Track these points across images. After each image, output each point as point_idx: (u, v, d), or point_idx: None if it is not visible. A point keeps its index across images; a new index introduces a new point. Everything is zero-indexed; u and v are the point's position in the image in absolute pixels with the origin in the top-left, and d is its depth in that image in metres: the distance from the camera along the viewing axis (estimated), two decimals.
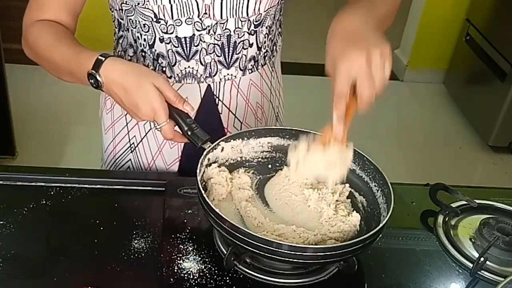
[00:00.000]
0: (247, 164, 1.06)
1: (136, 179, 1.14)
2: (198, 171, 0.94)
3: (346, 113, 0.89)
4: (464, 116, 3.48)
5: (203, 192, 0.89)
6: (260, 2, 1.08)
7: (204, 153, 0.98)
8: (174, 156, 1.22)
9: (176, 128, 1.00)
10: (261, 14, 1.11)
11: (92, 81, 0.99)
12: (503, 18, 3.14)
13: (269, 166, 1.07)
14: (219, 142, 1.02)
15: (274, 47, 1.23)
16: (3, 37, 2.45)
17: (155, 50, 1.12)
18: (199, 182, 0.91)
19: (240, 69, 1.17)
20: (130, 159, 1.25)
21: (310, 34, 4.32)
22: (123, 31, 1.16)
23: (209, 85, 1.16)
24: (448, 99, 3.68)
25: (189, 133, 0.99)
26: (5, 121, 2.60)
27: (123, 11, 1.10)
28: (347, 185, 1.00)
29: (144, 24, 1.09)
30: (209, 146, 0.99)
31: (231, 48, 1.13)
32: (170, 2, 1.04)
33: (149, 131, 1.21)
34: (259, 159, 1.07)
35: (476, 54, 3.34)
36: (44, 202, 1.05)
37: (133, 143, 1.23)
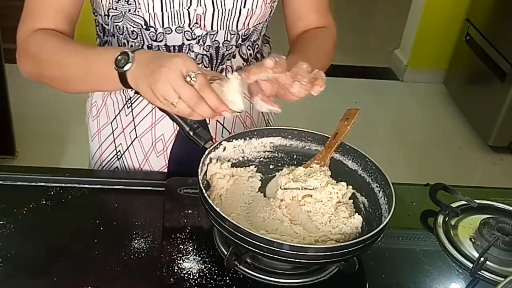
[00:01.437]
0: (249, 164, 1.06)
1: (136, 179, 1.14)
2: (199, 170, 0.94)
3: (333, 139, 0.99)
4: (464, 116, 3.48)
5: (204, 191, 0.89)
6: (250, 17, 1.09)
7: (206, 152, 0.98)
8: (161, 163, 1.21)
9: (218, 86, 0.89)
10: (250, 29, 1.12)
11: (121, 57, 0.90)
12: (503, 18, 3.14)
13: (271, 166, 1.07)
14: (222, 141, 1.02)
15: (260, 56, 1.23)
16: (3, 37, 2.45)
17: None
18: (200, 181, 0.91)
19: None
20: (116, 167, 1.25)
21: None
22: (107, 36, 1.15)
23: None
24: (448, 99, 3.68)
25: (191, 133, 0.99)
26: (5, 121, 2.60)
27: (110, 17, 1.08)
28: (350, 186, 1.00)
29: (132, 31, 1.08)
30: (212, 145, 0.99)
31: (219, 60, 1.13)
32: (161, 10, 1.03)
33: (135, 139, 1.20)
34: (261, 159, 1.07)
35: (476, 54, 3.34)
36: (44, 202, 1.05)
37: (119, 151, 1.23)
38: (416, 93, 3.80)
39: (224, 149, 1.03)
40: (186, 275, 0.91)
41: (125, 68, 0.90)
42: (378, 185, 0.99)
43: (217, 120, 1.19)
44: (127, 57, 0.90)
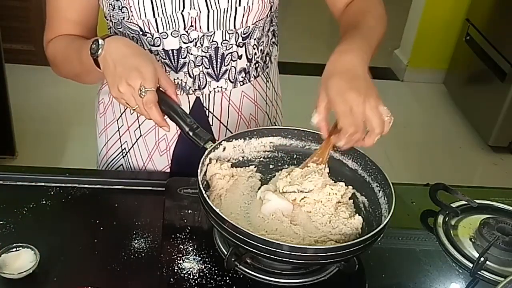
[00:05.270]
0: (249, 164, 1.06)
1: (136, 179, 1.14)
2: (199, 170, 0.94)
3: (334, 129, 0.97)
4: (464, 116, 3.48)
5: (203, 192, 0.89)
6: (248, 15, 1.08)
7: (206, 152, 0.98)
8: (164, 163, 1.22)
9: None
10: (249, 26, 1.11)
11: (94, 45, 0.95)
12: (503, 18, 3.14)
13: (271, 166, 1.07)
14: (221, 141, 1.02)
15: (268, 58, 1.22)
16: (3, 37, 2.45)
17: None
18: (200, 182, 0.91)
19: (231, 81, 1.16)
20: (122, 164, 1.25)
21: (310, 34, 4.32)
22: None
23: (198, 97, 1.16)
24: (448, 99, 3.68)
25: (191, 133, 0.99)
26: (5, 121, 2.60)
27: (113, 23, 1.10)
28: (351, 187, 1.00)
29: (132, 37, 1.09)
30: (211, 145, 0.99)
31: (219, 60, 1.12)
32: (154, 16, 1.04)
33: (139, 137, 1.21)
34: (261, 159, 1.07)
35: (476, 54, 3.34)
36: (44, 202, 1.05)
37: (124, 148, 1.23)
38: (416, 93, 3.80)
39: (224, 149, 1.03)
40: (186, 275, 0.91)
41: (97, 54, 0.95)
42: (378, 185, 0.99)
43: (221, 122, 1.19)
44: (97, 44, 0.95)
